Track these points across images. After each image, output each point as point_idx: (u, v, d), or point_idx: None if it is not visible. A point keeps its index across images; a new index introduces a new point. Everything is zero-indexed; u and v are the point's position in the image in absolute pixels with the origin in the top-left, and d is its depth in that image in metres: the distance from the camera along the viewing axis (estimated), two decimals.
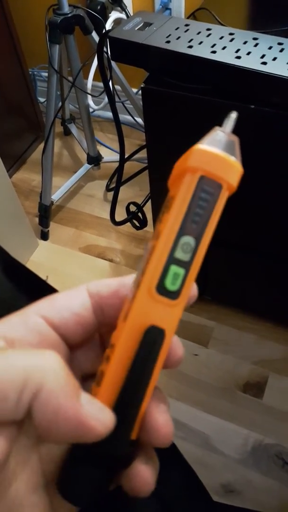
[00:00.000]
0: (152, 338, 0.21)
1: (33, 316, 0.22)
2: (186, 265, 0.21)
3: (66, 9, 1.14)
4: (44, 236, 1.46)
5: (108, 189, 1.58)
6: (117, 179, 1.18)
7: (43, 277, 0.42)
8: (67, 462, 0.22)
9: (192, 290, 0.22)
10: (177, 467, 0.44)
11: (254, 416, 1.07)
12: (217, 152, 0.21)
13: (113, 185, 1.55)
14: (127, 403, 0.21)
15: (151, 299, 0.21)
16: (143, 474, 0.21)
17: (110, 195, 1.56)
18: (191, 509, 0.42)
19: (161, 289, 0.21)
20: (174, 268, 0.21)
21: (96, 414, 0.19)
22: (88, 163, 1.53)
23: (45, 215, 1.42)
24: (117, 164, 1.31)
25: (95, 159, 1.51)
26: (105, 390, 0.21)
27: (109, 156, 1.58)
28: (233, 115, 0.23)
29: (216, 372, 1.14)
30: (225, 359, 1.16)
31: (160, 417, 0.21)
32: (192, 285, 0.22)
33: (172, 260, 0.21)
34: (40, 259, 1.41)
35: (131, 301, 0.21)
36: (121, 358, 0.21)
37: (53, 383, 0.19)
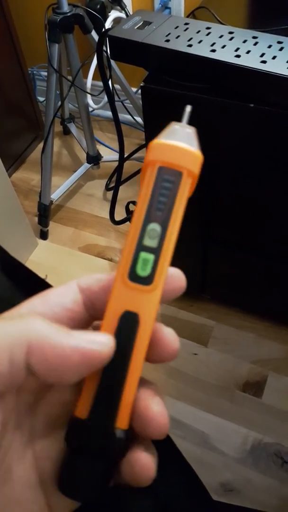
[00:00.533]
0: (126, 323, 0.22)
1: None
2: (155, 251, 0.22)
3: (66, 8, 1.14)
4: (44, 235, 1.46)
5: (107, 188, 1.58)
6: (116, 178, 1.18)
7: (42, 276, 0.42)
8: (64, 459, 0.22)
9: (177, 280, 0.23)
10: (176, 466, 0.44)
11: (253, 415, 1.07)
12: (172, 143, 0.22)
13: (112, 184, 1.55)
14: (108, 389, 0.22)
15: (125, 286, 0.22)
16: (144, 460, 0.21)
17: (110, 194, 1.56)
18: (190, 508, 0.42)
19: (133, 275, 0.22)
20: (143, 255, 0.22)
21: (93, 339, 0.20)
22: (88, 162, 1.53)
23: (45, 214, 1.42)
24: (116, 164, 1.31)
25: (94, 159, 1.51)
26: (88, 381, 0.22)
27: (109, 155, 1.58)
28: (188, 109, 0.25)
29: (215, 371, 1.14)
30: (224, 358, 1.16)
31: (155, 407, 0.22)
32: (165, 270, 0.22)
33: (141, 247, 0.22)
34: (40, 258, 1.41)
35: (110, 290, 0.23)
36: None
37: (41, 333, 0.19)
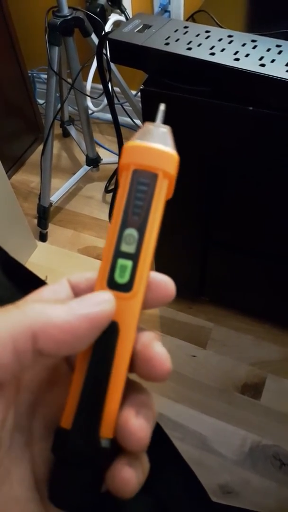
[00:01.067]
0: (105, 332, 0.21)
1: None
2: (133, 257, 0.22)
3: (66, 11, 1.14)
4: (43, 237, 1.46)
5: (106, 190, 1.58)
6: (116, 181, 1.18)
7: (42, 278, 0.42)
8: (52, 469, 0.22)
9: (164, 287, 0.22)
10: (176, 467, 0.44)
11: (252, 417, 1.07)
12: (145, 144, 0.22)
13: (111, 187, 1.55)
14: (90, 399, 0.21)
15: None
16: (124, 475, 0.21)
17: (109, 196, 1.57)
18: (190, 510, 0.42)
19: (111, 282, 0.22)
20: (120, 261, 0.22)
21: (95, 301, 0.20)
22: (87, 164, 1.53)
23: (44, 216, 1.42)
24: (115, 166, 1.31)
25: (94, 161, 1.52)
26: (72, 388, 0.22)
27: (108, 157, 1.59)
28: (162, 107, 0.24)
29: (214, 373, 1.14)
30: (223, 360, 1.16)
31: (136, 422, 0.21)
32: (145, 276, 0.22)
33: (118, 253, 0.22)
34: (39, 260, 1.41)
35: None
36: (83, 354, 0.22)
37: (42, 316, 0.19)
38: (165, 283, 0.23)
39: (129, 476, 0.21)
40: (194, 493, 0.46)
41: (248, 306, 1.20)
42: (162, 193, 0.22)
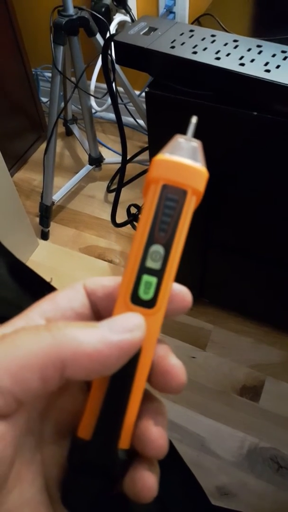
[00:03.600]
0: None
1: (38, 320, 0.22)
2: (158, 274, 0.21)
3: (71, 11, 1.14)
4: (45, 236, 1.46)
5: (108, 190, 1.59)
6: (118, 181, 1.19)
7: (45, 277, 0.43)
8: (65, 474, 0.23)
9: (181, 299, 0.22)
10: (176, 469, 0.44)
11: (250, 420, 1.07)
12: (177, 160, 0.21)
13: (113, 187, 1.55)
14: (111, 411, 0.21)
15: (127, 310, 0.21)
16: (146, 479, 0.21)
17: (111, 196, 1.57)
18: (189, 510, 0.42)
19: (136, 299, 0.22)
20: (146, 278, 0.21)
21: (126, 326, 0.20)
22: (90, 164, 1.53)
23: (46, 215, 1.42)
24: (118, 166, 1.31)
25: (96, 160, 1.52)
26: (91, 401, 0.22)
27: (111, 157, 1.59)
28: (193, 120, 0.24)
29: (213, 375, 1.15)
30: (222, 362, 1.17)
31: (156, 430, 0.21)
32: (168, 293, 0.22)
33: (143, 269, 0.21)
34: (40, 258, 1.42)
35: (112, 313, 0.22)
36: None
37: (73, 345, 0.19)
38: (183, 295, 0.23)
39: (151, 482, 0.21)
40: (193, 495, 0.46)
41: (248, 308, 1.21)
42: (190, 210, 0.22)
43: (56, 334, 0.19)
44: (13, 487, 0.20)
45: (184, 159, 0.21)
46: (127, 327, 0.20)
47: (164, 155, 0.22)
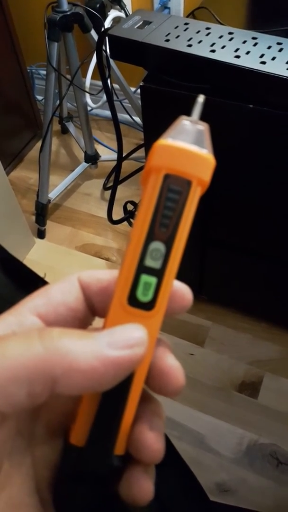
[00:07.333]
0: None
1: (29, 316, 0.21)
2: (158, 273, 0.19)
3: (65, 7, 1.13)
4: (41, 234, 1.46)
5: (105, 188, 1.58)
6: (114, 178, 1.18)
7: (40, 275, 0.42)
8: (58, 480, 0.22)
9: (181, 298, 0.21)
10: (174, 466, 0.44)
11: (249, 416, 1.07)
12: (181, 146, 0.19)
13: (110, 184, 1.54)
14: (107, 418, 0.20)
15: (123, 312, 0.20)
16: (142, 483, 0.21)
17: (107, 194, 1.56)
18: (187, 508, 0.42)
19: (133, 300, 0.20)
20: (145, 278, 0.19)
21: (126, 342, 0.18)
22: (86, 161, 1.52)
23: (42, 213, 1.41)
24: (114, 163, 1.31)
25: (92, 158, 1.51)
26: (85, 405, 0.21)
27: (107, 155, 1.58)
28: (200, 100, 0.21)
29: (211, 371, 1.14)
30: (220, 359, 1.16)
31: (151, 435, 0.20)
32: (168, 292, 0.20)
33: (142, 269, 0.19)
34: (37, 257, 1.41)
35: (106, 314, 0.20)
36: None
37: (66, 361, 0.17)
38: (183, 293, 0.21)
39: (146, 485, 0.21)
40: (192, 493, 0.45)
41: (247, 305, 1.20)
42: (194, 203, 0.19)
43: (49, 345, 0.17)
44: (1, 491, 0.20)
45: (189, 145, 0.19)
46: (127, 343, 0.18)
47: (167, 140, 0.19)
